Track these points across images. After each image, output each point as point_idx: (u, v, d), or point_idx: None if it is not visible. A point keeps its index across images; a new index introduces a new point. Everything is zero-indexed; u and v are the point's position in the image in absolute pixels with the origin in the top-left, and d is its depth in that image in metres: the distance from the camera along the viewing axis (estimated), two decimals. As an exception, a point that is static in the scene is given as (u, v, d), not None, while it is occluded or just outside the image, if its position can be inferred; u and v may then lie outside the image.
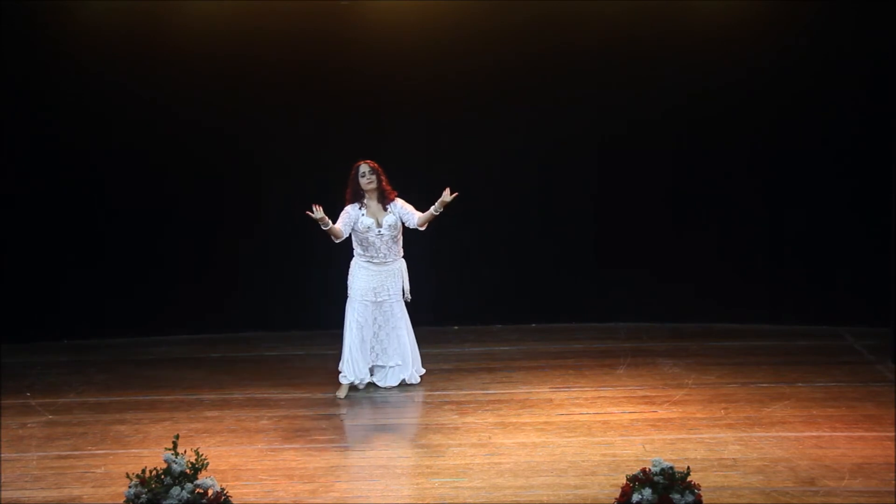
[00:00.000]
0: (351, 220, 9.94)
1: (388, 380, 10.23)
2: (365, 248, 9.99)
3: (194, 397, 10.11)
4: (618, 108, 11.74)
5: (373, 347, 10.14)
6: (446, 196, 9.79)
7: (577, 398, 9.81)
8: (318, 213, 9.66)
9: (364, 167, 9.95)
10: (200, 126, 11.77)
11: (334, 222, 9.84)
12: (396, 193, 10.03)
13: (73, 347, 11.76)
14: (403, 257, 10.17)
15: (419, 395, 10.05)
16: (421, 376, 10.33)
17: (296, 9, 11.59)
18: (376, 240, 9.96)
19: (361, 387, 10.15)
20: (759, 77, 11.57)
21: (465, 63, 11.72)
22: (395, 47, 11.67)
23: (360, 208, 9.95)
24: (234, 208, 11.94)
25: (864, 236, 11.52)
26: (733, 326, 11.73)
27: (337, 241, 9.97)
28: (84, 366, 11.11)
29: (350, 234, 10.01)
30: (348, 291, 10.11)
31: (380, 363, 10.20)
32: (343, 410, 9.75)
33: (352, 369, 10.09)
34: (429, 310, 11.61)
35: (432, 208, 9.90)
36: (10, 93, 11.59)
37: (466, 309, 12.13)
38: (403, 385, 10.22)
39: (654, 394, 9.83)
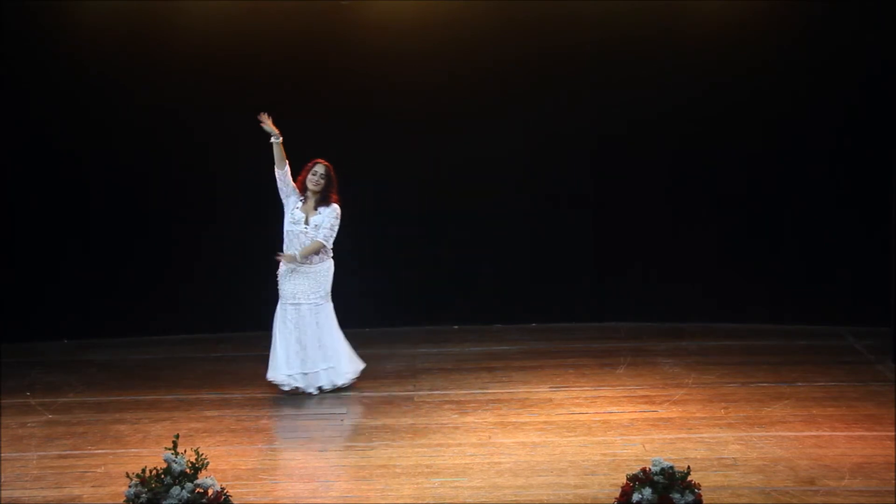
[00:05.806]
0: (288, 194, 9.94)
1: (316, 382, 9.97)
2: (289, 246, 9.94)
3: (194, 397, 10.10)
4: (617, 108, 11.74)
5: (297, 353, 9.94)
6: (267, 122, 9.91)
7: (576, 398, 9.80)
8: (267, 124, 9.75)
9: (319, 167, 9.95)
10: (201, 126, 11.76)
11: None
12: (339, 200, 9.97)
13: (73, 347, 11.75)
14: (333, 258, 10.07)
15: (419, 395, 10.04)
16: (354, 379, 10.09)
17: (296, 9, 11.59)
18: (301, 236, 9.92)
19: (286, 388, 9.96)
20: (759, 77, 11.57)
21: (465, 63, 11.72)
22: (395, 47, 11.67)
23: (299, 199, 9.95)
24: (235, 208, 11.94)
25: (864, 236, 11.51)
26: (733, 326, 11.73)
27: (275, 169, 9.90)
28: (84, 366, 11.11)
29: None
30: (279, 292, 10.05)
31: (305, 370, 9.98)
32: (343, 410, 9.74)
33: (276, 370, 9.96)
34: (429, 309, 11.61)
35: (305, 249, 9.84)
36: (9, 93, 11.59)
37: (466, 309, 12.13)
38: (336, 389, 10.01)
39: (654, 393, 9.83)
